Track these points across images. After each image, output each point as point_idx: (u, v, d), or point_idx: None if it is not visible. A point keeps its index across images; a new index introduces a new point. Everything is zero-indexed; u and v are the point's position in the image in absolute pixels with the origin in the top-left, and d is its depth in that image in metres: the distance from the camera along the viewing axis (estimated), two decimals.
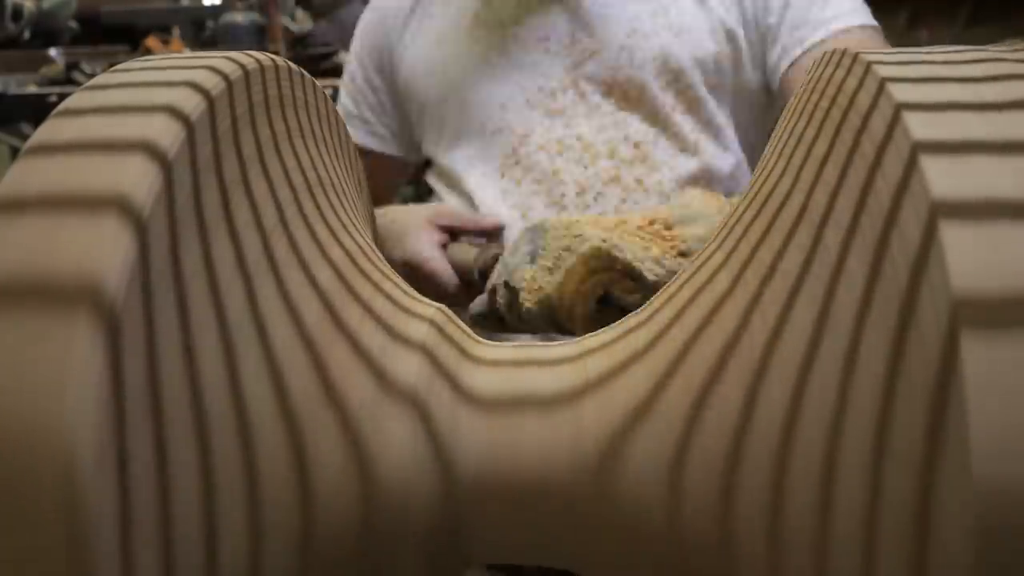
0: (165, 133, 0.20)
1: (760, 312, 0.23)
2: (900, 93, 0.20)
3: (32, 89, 2.38)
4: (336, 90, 0.90)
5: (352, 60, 0.83)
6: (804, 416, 0.21)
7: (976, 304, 0.16)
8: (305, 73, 0.30)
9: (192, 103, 0.22)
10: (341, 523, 0.24)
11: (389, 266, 0.32)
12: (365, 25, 0.82)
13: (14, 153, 2.50)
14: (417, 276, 0.62)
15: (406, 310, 0.29)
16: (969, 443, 0.15)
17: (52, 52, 2.71)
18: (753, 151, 0.74)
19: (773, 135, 0.29)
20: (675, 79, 0.69)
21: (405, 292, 0.30)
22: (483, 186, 0.71)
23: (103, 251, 0.18)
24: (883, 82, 0.20)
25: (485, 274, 0.58)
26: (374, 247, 0.33)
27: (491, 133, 0.71)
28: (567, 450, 0.25)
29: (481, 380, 0.27)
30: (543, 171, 0.69)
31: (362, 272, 0.29)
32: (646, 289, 0.45)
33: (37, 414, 0.16)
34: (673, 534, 0.24)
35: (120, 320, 0.17)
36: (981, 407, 0.15)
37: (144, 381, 0.18)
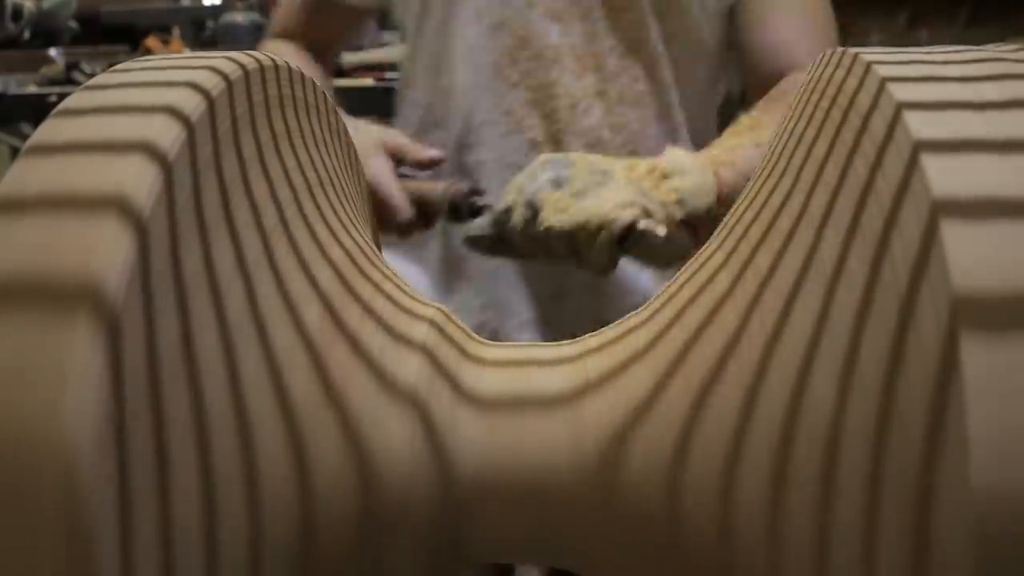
0: (165, 133, 0.20)
1: (760, 312, 0.23)
2: (900, 93, 0.20)
3: (32, 89, 2.37)
4: (337, 90, 0.90)
5: None
6: (804, 416, 0.21)
7: (976, 304, 0.16)
8: (305, 73, 0.30)
9: (192, 103, 0.22)
10: (341, 523, 0.24)
11: (389, 266, 0.32)
12: None
13: (14, 153, 2.49)
14: (370, 201, 0.62)
15: (406, 310, 0.29)
16: (968, 444, 0.15)
17: (52, 52, 2.71)
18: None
19: (773, 135, 0.29)
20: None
21: (405, 292, 0.30)
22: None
23: (103, 251, 0.18)
24: (883, 82, 0.20)
25: (456, 206, 0.61)
26: (374, 247, 0.33)
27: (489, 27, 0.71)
28: (567, 450, 0.25)
29: (481, 380, 0.27)
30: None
31: (362, 272, 0.29)
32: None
33: (37, 414, 0.16)
34: (673, 533, 0.24)
35: (120, 320, 0.17)
36: (980, 408, 0.15)
37: (144, 382, 0.18)
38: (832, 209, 0.21)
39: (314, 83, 0.31)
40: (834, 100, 0.23)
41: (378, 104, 1.88)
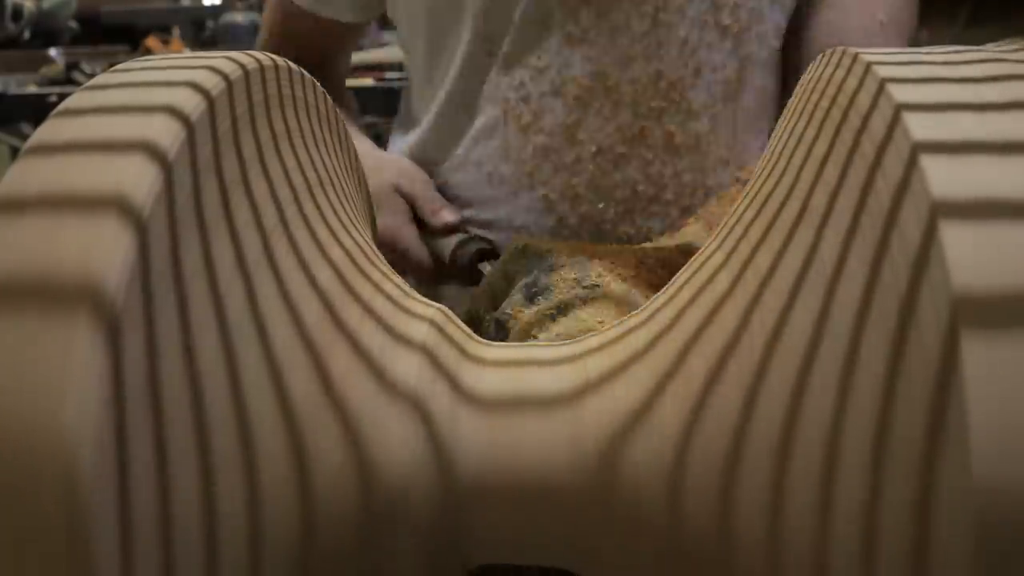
0: (165, 133, 0.20)
1: (760, 312, 0.23)
2: (900, 93, 0.20)
3: (32, 89, 2.38)
4: None
5: None
6: (804, 416, 0.21)
7: (976, 303, 0.16)
8: (305, 73, 0.30)
9: (192, 103, 0.22)
10: (341, 523, 0.24)
11: (389, 266, 0.32)
12: None
13: (14, 153, 2.50)
14: (389, 249, 0.60)
15: (406, 310, 0.29)
16: (969, 443, 0.15)
17: (52, 52, 2.71)
18: None
19: (773, 135, 0.29)
20: None
21: (405, 292, 0.30)
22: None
23: (103, 251, 0.18)
24: (883, 82, 0.20)
25: (465, 265, 0.57)
26: (374, 247, 0.33)
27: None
28: (567, 450, 0.25)
29: (481, 380, 0.27)
30: None
31: (362, 272, 0.29)
32: None
33: (37, 414, 0.16)
34: (673, 534, 0.24)
35: (120, 320, 0.17)
36: (981, 407, 0.15)
37: (144, 381, 0.18)
38: (832, 209, 0.21)
39: (314, 83, 0.31)
40: (834, 100, 0.23)
41: (378, 104, 1.88)
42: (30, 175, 0.20)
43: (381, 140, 0.83)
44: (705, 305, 0.25)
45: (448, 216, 0.62)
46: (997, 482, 0.15)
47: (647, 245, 0.52)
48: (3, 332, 0.17)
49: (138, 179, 0.19)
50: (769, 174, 0.26)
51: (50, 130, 0.21)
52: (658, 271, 0.46)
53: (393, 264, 0.64)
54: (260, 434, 0.22)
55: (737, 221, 0.27)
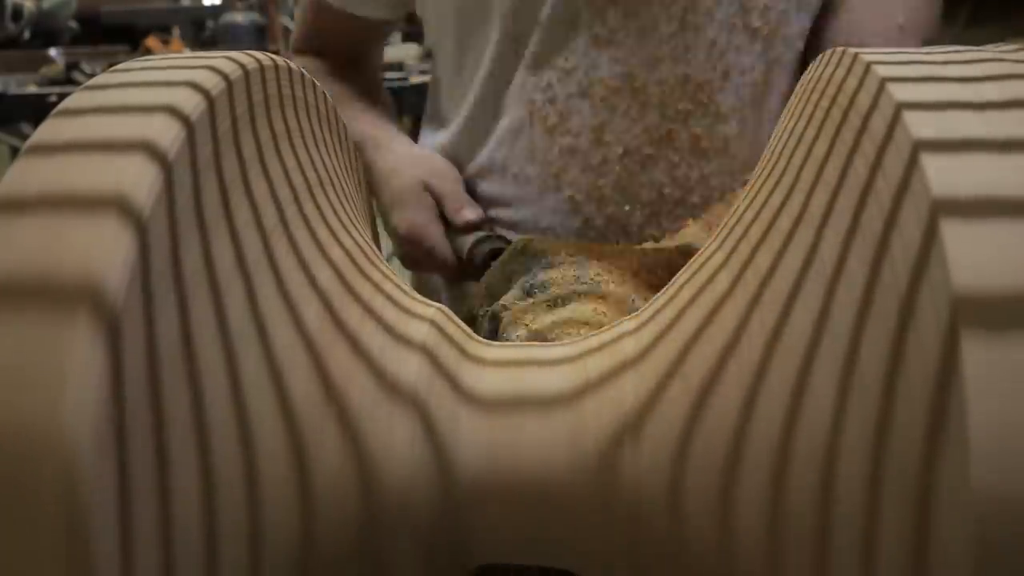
0: (165, 133, 0.20)
1: (760, 312, 0.23)
2: (900, 93, 0.20)
3: (32, 89, 2.38)
4: None
5: None
6: (804, 416, 0.21)
7: (976, 303, 0.16)
8: (305, 73, 0.30)
9: (192, 103, 0.22)
10: (341, 523, 0.24)
11: (389, 266, 0.32)
12: None
13: (14, 153, 2.50)
14: (415, 246, 0.61)
15: (406, 310, 0.29)
16: (968, 443, 0.15)
17: (52, 52, 2.71)
18: None
19: (773, 135, 0.29)
20: None
21: (405, 292, 0.30)
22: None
23: (103, 251, 0.18)
24: (883, 82, 0.20)
25: (480, 263, 0.57)
26: (374, 247, 0.33)
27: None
28: (567, 450, 0.25)
29: (481, 380, 0.27)
30: None
31: (362, 272, 0.29)
32: None
33: (37, 414, 0.16)
34: (673, 533, 0.24)
35: (120, 320, 0.17)
36: (981, 407, 0.15)
37: (144, 381, 0.18)
38: (832, 209, 0.21)
39: (314, 83, 0.31)
40: (834, 100, 0.23)
41: None
42: (30, 175, 0.20)
43: None
44: (705, 305, 0.25)
45: (469, 214, 0.62)
46: (996, 483, 0.15)
47: (647, 246, 0.52)
48: (3, 332, 0.17)
49: (138, 179, 0.19)
50: (769, 174, 0.26)
51: (50, 130, 0.21)
52: (658, 272, 0.46)
53: (418, 262, 0.64)
54: (260, 434, 0.22)
55: (737, 221, 0.27)
